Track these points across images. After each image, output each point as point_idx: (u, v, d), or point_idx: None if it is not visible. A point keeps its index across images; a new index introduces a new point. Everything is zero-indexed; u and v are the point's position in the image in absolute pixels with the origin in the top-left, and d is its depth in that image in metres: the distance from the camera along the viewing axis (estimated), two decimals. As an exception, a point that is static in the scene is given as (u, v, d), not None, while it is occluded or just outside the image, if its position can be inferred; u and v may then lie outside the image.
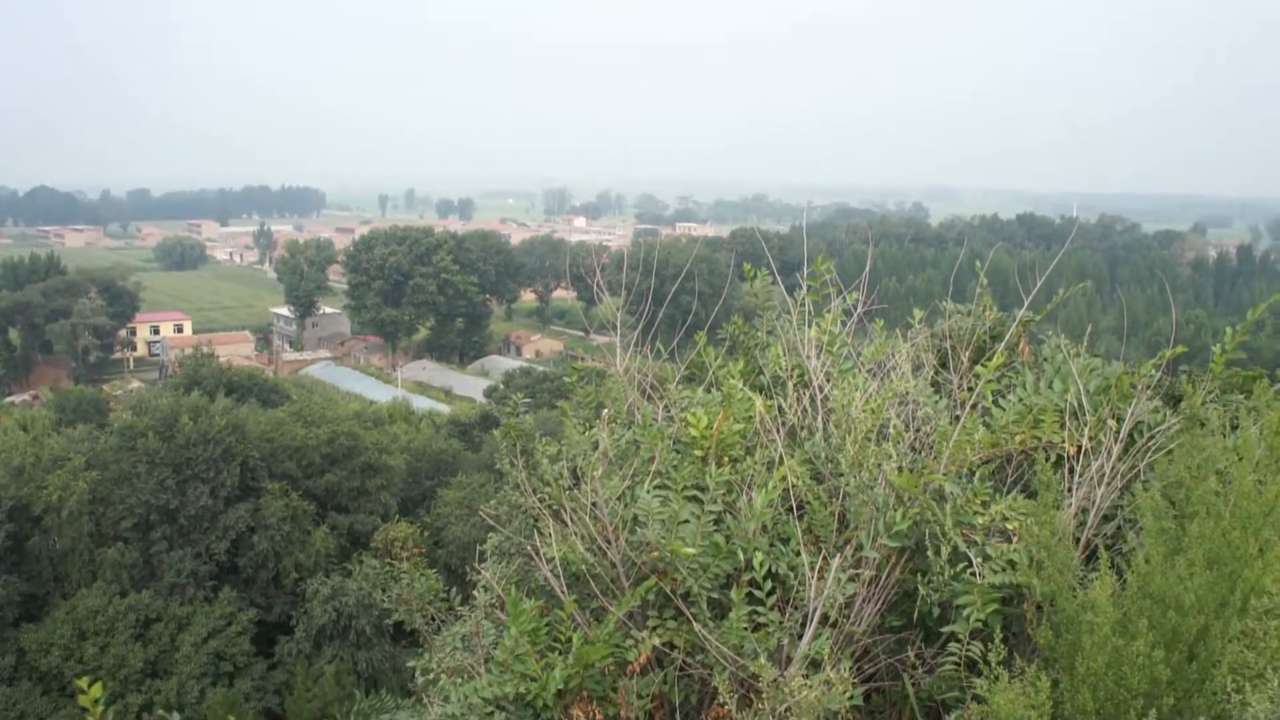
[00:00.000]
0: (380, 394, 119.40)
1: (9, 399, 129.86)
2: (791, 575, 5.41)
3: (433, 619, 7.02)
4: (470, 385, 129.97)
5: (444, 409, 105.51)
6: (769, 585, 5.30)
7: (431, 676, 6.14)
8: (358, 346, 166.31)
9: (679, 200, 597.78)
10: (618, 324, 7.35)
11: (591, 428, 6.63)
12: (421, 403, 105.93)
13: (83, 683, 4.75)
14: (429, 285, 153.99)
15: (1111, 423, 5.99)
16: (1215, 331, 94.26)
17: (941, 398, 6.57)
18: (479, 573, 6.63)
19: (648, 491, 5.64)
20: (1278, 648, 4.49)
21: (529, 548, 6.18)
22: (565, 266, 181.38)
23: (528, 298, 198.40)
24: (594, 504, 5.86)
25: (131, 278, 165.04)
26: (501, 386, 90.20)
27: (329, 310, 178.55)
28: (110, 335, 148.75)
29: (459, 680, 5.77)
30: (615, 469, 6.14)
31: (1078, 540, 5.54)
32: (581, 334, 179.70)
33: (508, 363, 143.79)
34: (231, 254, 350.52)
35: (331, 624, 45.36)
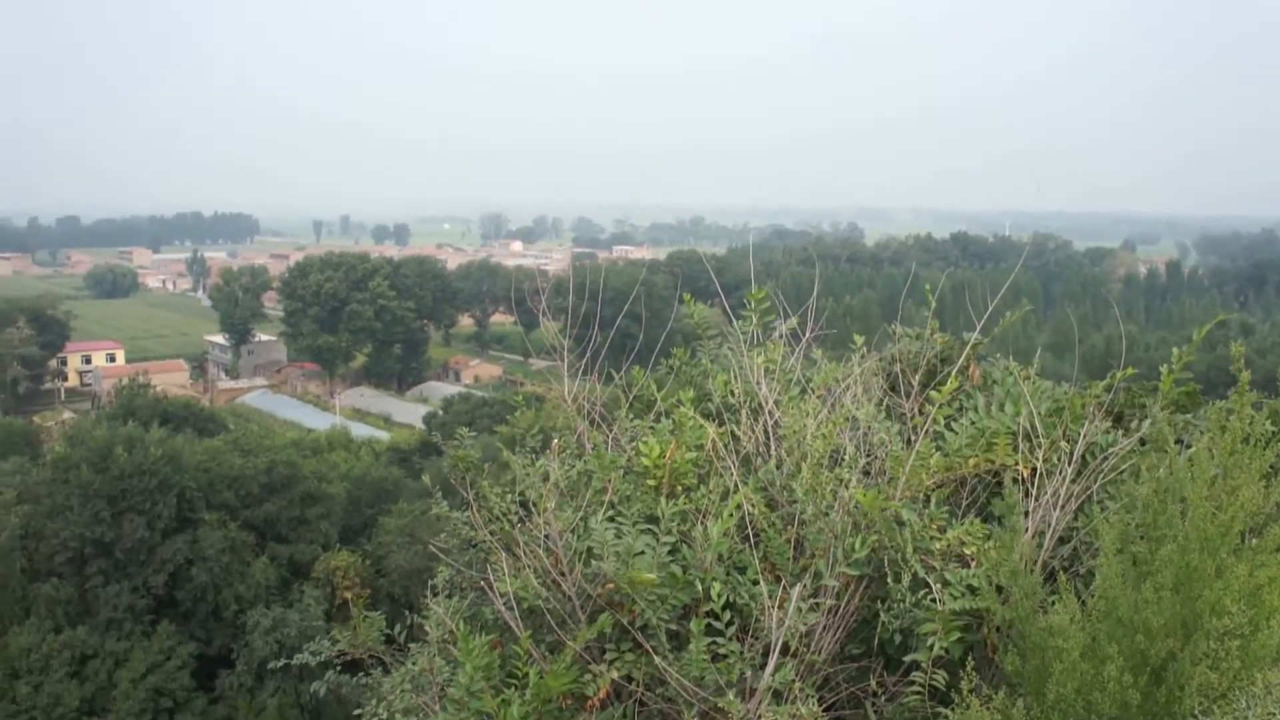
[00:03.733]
0: (318, 422, 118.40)
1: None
2: (751, 605, 5.35)
3: (379, 660, 6.90)
4: (409, 411, 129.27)
5: (384, 436, 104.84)
6: (728, 615, 5.23)
7: (384, 716, 6.00)
8: (295, 374, 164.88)
9: (615, 224, 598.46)
10: (564, 351, 7.26)
11: (539, 457, 6.55)
12: (361, 430, 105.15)
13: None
14: (366, 311, 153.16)
15: (1064, 445, 5.99)
16: (1147, 346, 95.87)
17: (893, 422, 6.55)
18: (428, 607, 6.51)
19: (601, 523, 5.56)
20: (1239, 668, 4.48)
21: (480, 582, 6.07)
22: (501, 291, 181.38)
23: (465, 323, 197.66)
24: (547, 536, 5.77)
25: (61, 306, 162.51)
26: (441, 412, 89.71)
27: (265, 337, 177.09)
28: (40, 365, 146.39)
29: (414, 719, 5.65)
30: (567, 500, 6.06)
31: (1035, 563, 5.52)
32: (521, 358, 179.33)
33: (447, 388, 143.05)
34: (164, 281, 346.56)
35: (273, 655, 44.75)
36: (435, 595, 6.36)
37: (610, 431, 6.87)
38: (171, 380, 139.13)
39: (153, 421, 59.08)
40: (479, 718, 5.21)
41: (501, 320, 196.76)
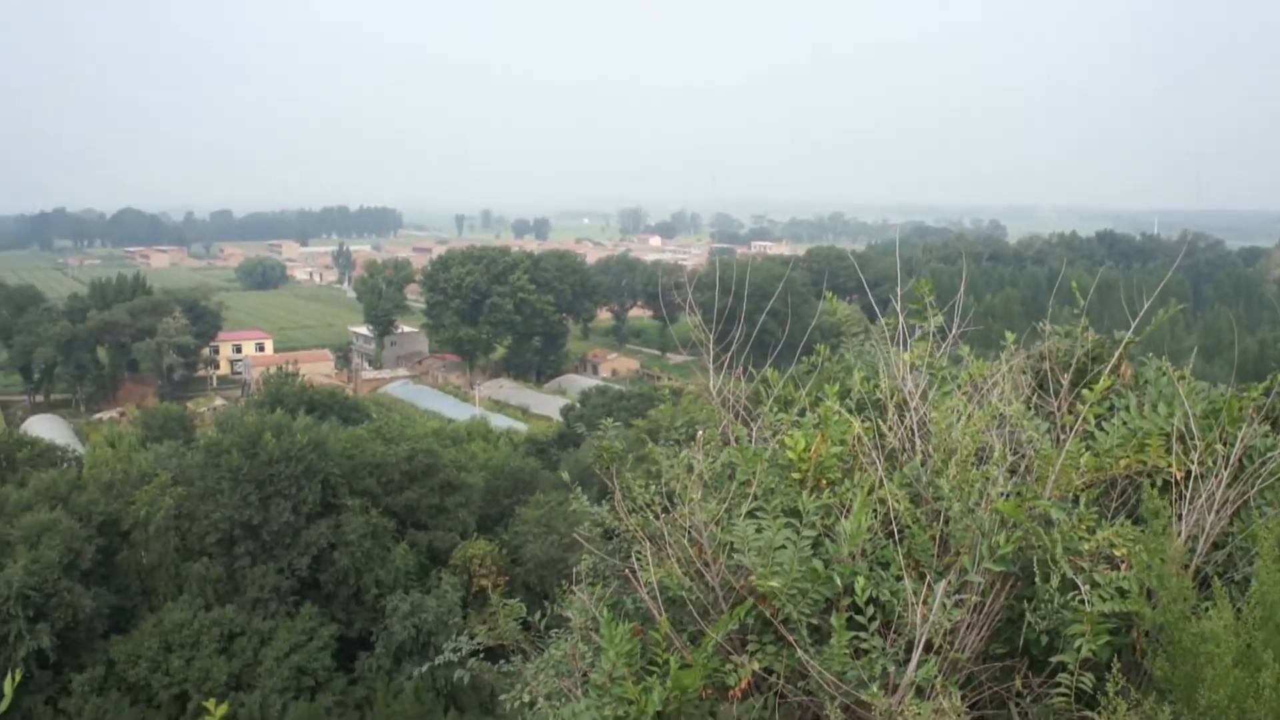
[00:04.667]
0: (458, 412, 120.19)
1: (97, 416, 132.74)
2: (893, 600, 5.33)
3: (519, 648, 7.03)
4: (547, 404, 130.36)
5: (521, 427, 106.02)
6: (870, 610, 5.22)
7: (527, 700, 6.11)
8: (436, 365, 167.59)
9: (754, 219, 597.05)
10: (709, 345, 7.30)
11: (684, 450, 6.59)
12: (499, 421, 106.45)
13: (209, 704, 4.81)
14: (506, 304, 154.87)
15: (1220, 448, 5.84)
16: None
17: (1042, 421, 6.45)
18: (567, 594, 6.61)
19: (742, 517, 5.59)
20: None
21: (625, 570, 6.15)
22: (640, 285, 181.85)
23: (604, 317, 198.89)
24: (691, 527, 5.81)
25: (214, 297, 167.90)
26: (578, 405, 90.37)
27: (407, 329, 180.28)
28: (194, 354, 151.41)
29: (557, 704, 5.74)
30: (711, 492, 6.10)
31: (1187, 567, 5.40)
32: (658, 353, 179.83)
33: (584, 381, 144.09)
34: (311, 274, 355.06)
35: (411, 640, 45.65)
36: (577, 583, 6.46)
37: (754, 426, 6.89)
38: (317, 370, 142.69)
39: (299, 409, 60.75)
40: (621, 704, 5.28)
41: (639, 315, 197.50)
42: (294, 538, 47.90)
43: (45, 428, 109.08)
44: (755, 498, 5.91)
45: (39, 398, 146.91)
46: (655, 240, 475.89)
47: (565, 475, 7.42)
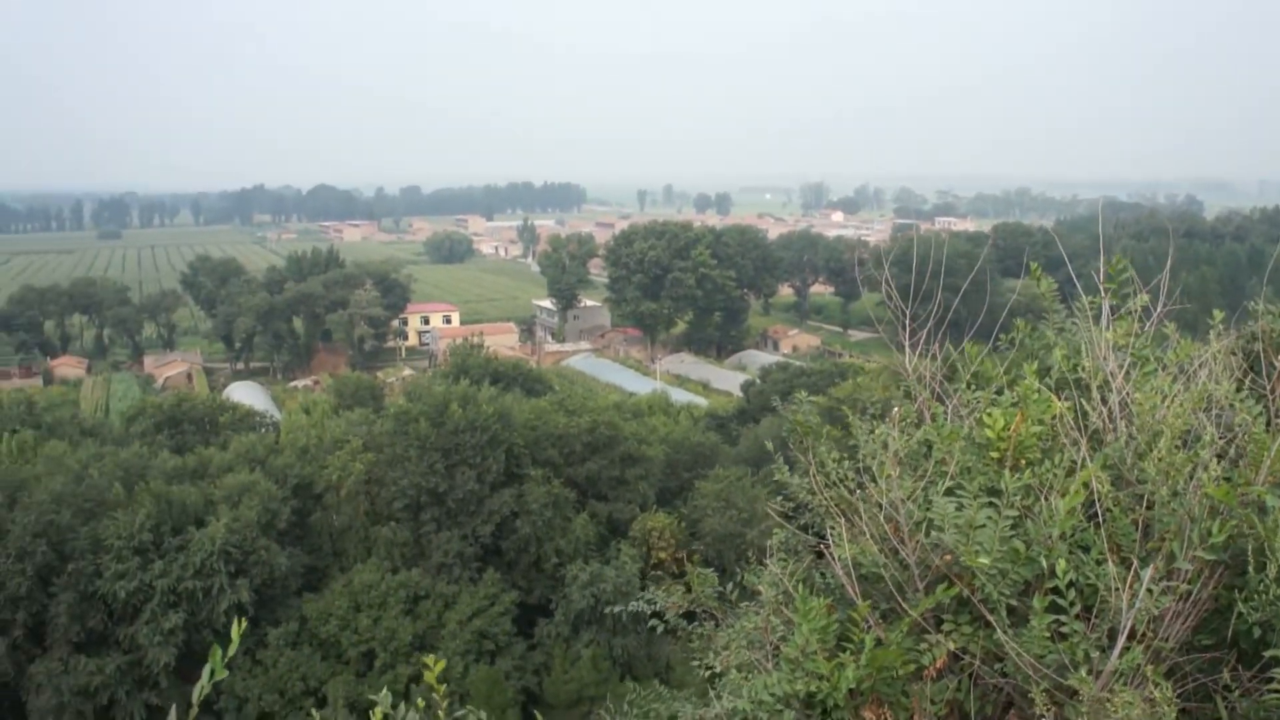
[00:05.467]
0: (639, 386, 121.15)
1: (293, 384, 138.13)
2: (1095, 584, 5.19)
3: (711, 613, 7.06)
4: (727, 379, 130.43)
5: (702, 402, 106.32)
6: (1072, 594, 5.09)
7: (718, 670, 6.14)
8: (617, 339, 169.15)
9: (938, 195, 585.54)
10: (904, 321, 7.20)
11: (878, 425, 6.52)
12: (680, 395, 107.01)
13: (429, 659, 4.97)
14: (687, 279, 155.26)
15: None
16: None
17: (1254, 404, 6.18)
18: (752, 568, 6.62)
19: (941, 494, 5.51)
20: None
21: (819, 546, 6.13)
22: (821, 261, 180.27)
23: (785, 292, 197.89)
24: (887, 504, 5.76)
25: (403, 270, 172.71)
26: (758, 380, 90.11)
27: (589, 303, 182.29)
28: (384, 325, 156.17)
29: (748, 675, 5.76)
30: (907, 469, 6.02)
31: None
32: (839, 329, 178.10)
33: (765, 357, 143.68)
34: (496, 248, 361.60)
35: (589, 609, 46.29)
36: (769, 557, 6.46)
37: (949, 403, 6.78)
38: (501, 342, 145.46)
39: (484, 380, 62.00)
40: (813, 679, 5.27)
41: (820, 291, 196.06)
42: (478, 505, 49.02)
43: (245, 394, 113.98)
44: (952, 476, 5.82)
45: (239, 365, 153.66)
46: (837, 215, 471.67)
47: (769, 445, 7.33)
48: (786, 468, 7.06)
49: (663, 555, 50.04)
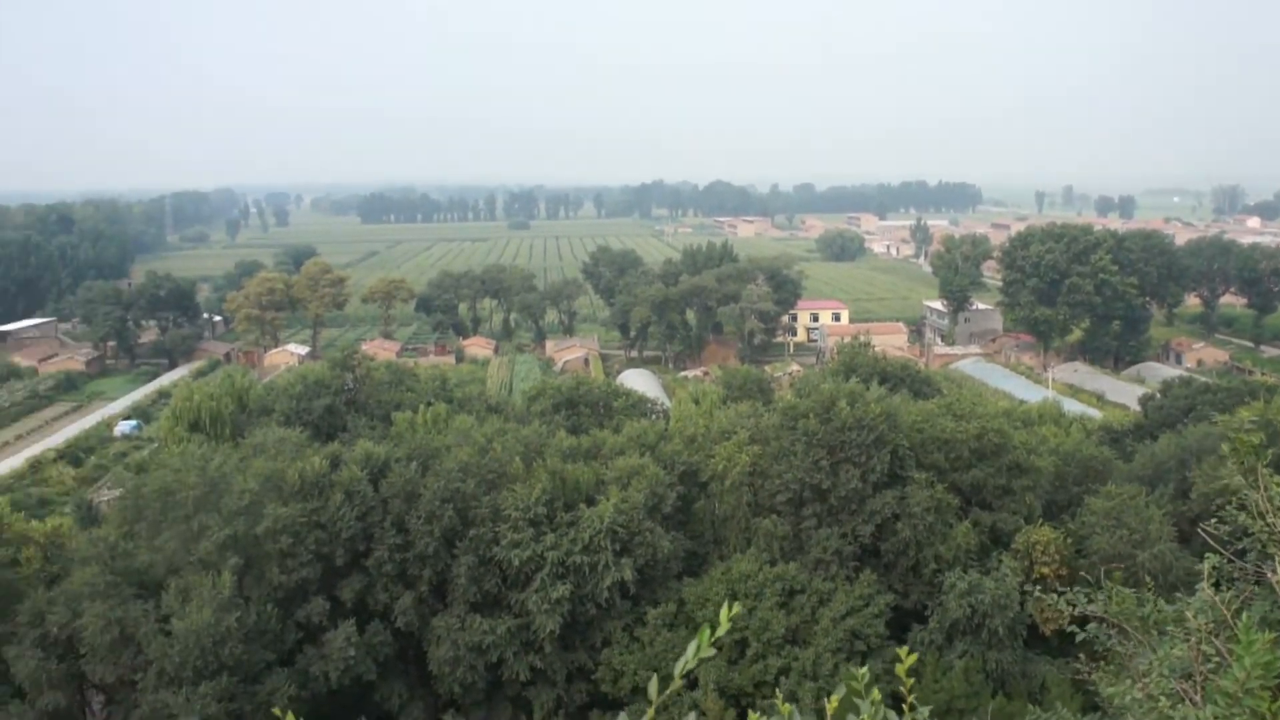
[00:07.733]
0: (1029, 394, 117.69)
1: (683, 373, 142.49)
2: None
3: (1122, 627, 6.70)
4: (1124, 391, 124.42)
5: (1095, 414, 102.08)
6: None
7: (1136, 697, 5.81)
8: (1009, 344, 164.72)
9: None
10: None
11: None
12: (1072, 406, 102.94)
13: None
14: (1085, 285, 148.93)
15: None
16: None
17: None
18: (1182, 594, 6.22)
19: None
20: None
21: (1260, 574, 5.69)
22: (1234, 270, 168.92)
23: (1192, 302, 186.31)
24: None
25: (795, 267, 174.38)
26: (1158, 395, 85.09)
27: (981, 306, 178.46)
28: (773, 320, 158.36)
29: (1174, 705, 5.42)
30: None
31: None
32: (1250, 344, 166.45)
33: (1166, 370, 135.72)
34: (888, 247, 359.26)
35: (965, 619, 45.18)
36: (1203, 581, 6.05)
37: None
38: (889, 342, 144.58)
39: (872, 380, 61.57)
40: (1254, 717, 4.90)
41: (1231, 302, 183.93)
42: (859, 505, 48.73)
43: (637, 380, 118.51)
44: None
45: (633, 353, 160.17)
46: (1254, 221, 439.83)
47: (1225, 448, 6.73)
48: (1245, 495, 6.54)
49: (1045, 570, 48.05)
